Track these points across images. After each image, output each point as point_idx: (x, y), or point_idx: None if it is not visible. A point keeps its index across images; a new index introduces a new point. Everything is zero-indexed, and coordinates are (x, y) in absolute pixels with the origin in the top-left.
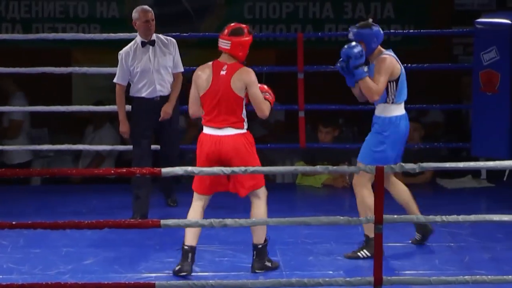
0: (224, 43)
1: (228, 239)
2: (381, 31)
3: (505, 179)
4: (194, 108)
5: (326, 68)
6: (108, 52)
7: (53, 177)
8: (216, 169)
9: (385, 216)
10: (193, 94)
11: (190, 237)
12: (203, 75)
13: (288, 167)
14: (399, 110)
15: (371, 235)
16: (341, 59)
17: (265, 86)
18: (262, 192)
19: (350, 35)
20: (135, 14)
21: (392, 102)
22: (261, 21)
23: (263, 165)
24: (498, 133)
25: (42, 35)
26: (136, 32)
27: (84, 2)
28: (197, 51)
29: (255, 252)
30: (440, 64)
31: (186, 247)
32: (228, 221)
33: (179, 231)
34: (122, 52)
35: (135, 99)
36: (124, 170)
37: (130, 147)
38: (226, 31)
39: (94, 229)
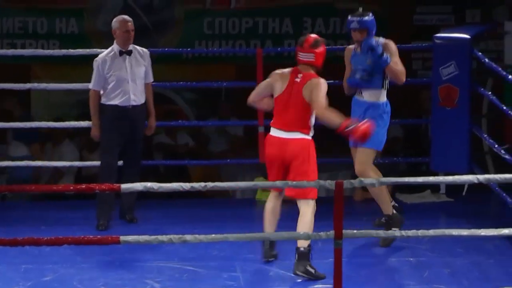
0: (306, 56)
1: (188, 255)
2: None
3: (464, 193)
4: (255, 97)
5: None
6: (68, 68)
7: (12, 193)
8: (175, 185)
9: (345, 231)
10: (264, 86)
11: (267, 227)
12: (281, 78)
13: (248, 182)
14: (386, 95)
15: (389, 212)
16: (361, 67)
17: None
18: (313, 202)
19: (355, 25)
20: (115, 23)
21: (386, 88)
22: (220, 36)
23: (222, 180)
24: (457, 148)
25: (1, 51)
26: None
27: (43, 18)
28: (155, 66)
29: (296, 255)
30: None
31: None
32: (188, 237)
33: (138, 247)
34: (98, 59)
35: (107, 107)
36: (84, 186)
37: (89, 163)
38: (305, 44)
39: (53, 246)
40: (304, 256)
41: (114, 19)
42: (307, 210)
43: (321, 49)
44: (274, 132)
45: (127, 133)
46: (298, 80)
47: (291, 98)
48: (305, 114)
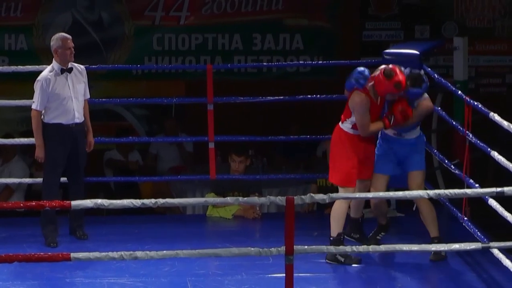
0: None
1: (139, 272)
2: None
3: (414, 209)
4: None
5: (236, 99)
6: (17, 85)
7: None
8: (126, 202)
9: (296, 247)
10: None
11: (354, 211)
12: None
13: (199, 198)
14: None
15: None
16: None
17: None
18: (349, 191)
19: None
20: (56, 41)
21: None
22: (170, 52)
23: (172, 196)
24: None
25: None
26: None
27: None
28: (105, 82)
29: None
30: None
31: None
32: (139, 253)
33: (89, 264)
34: (41, 79)
35: (50, 126)
36: (34, 203)
37: (39, 179)
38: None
39: (3, 263)
40: (334, 244)
41: (54, 37)
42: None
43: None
44: None
45: (70, 151)
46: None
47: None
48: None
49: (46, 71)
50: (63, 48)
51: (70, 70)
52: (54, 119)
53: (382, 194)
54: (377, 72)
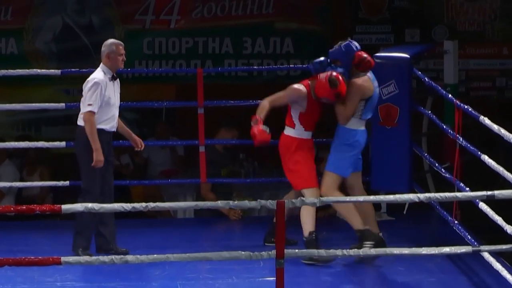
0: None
1: (130, 276)
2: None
3: (405, 212)
4: None
5: (226, 103)
6: (7, 89)
7: None
8: (116, 206)
9: (287, 251)
10: None
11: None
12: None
13: (189, 202)
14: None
15: (360, 227)
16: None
17: None
18: (309, 193)
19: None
20: (110, 46)
21: (359, 117)
22: (160, 56)
23: (163, 200)
24: (397, 167)
25: None
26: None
27: None
28: None
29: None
30: None
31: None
32: (129, 257)
33: (80, 268)
34: (99, 81)
35: (97, 131)
36: (24, 208)
37: (32, 183)
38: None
39: None
40: (309, 244)
41: (108, 43)
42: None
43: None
44: None
45: (106, 158)
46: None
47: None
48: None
49: (101, 74)
50: (116, 54)
51: (116, 77)
52: (99, 125)
53: (372, 197)
54: (323, 75)
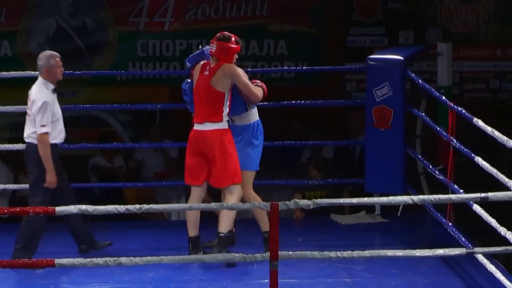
0: (211, 47)
1: (123, 278)
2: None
3: (399, 214)
4: None
5: None
6: (1, 91)
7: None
8: (110, 208)
9: (281, 253)
10: None
11: (191, 229)
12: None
13: (183, 204)
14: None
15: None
16: None
17: (257, 80)
18: (237, 189)
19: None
20: (49, 60)
21: (250, 109)
22: (154, 58)
23: (157, 202)
24: (391, 169)
25: None
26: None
27: None
28: (89, 88)
29: (217, 239)
30: (333, 101)
31: (190, 238)
32: (123, 259)
33: (73, 270)
34: (48, 100)
35: (50, 146)
36: (18, 209)
37: (26, 186)
38: (214, 37)
39: None
40: (224, 241)
41: (45, 56)
42: (230, 197)
43: (226, 44)
44: (194, 126)
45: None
46: (207, 73)
47: (201, 91)
48: (217, 103)
49: (45, 90)
50: (56, 67)
51: (56, 89)
52: (52, 140)
53: (366, 199)
54: (213, 47)
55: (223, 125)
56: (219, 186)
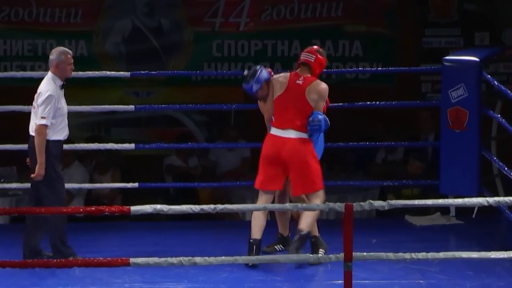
0: (308, 56)
1: (198, 278)
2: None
3: (474, 216)
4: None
5: None
6: (77, 90)
7: (22, 216)
8: (185, 207)
9: (355, 254)
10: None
11: (255, 231)
12: (279, 83)
13: (258, 204)
14: None
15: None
16: None
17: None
18: (322, 193)
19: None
20: (59, 56)
21: None
22: (229, 58)
23: (231, 202)
24: (466, 171)
25: (11, 73)
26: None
27: (52, 40)
28: (165, 88)
29: (298, 236)
30: (408, 102)
31: (251, 240)
32: (198, 259)
33: (148, 270)
34: (53, 93)
35: (54, 142)
36: (93, 208)
37: (101, 185)
38: (312, 48)
39: (63, 268)
40: (303, 239)
41: (56, 52)
42: (316, 200)
43: (324, 58)
44: (273, 131)
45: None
46: (300, 82)
47: (292, 98)
48: (304, 114)
49: (52, 85)
50: (66, 63)
51: (64, 85)
52: (55, 135)
53: (441, 201)
54: (311, 57)
55: (306, 134)
56: (303, 192)
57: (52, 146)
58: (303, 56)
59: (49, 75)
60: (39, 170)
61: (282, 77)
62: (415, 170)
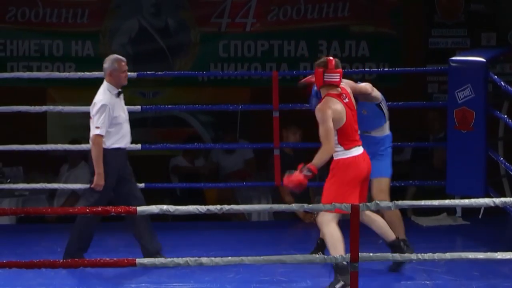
0: (334, 77)
1: (204, 278)
2: None
3: (480, 216)
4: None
5: (301, 106)
6: (83, 91)
7: (28, 216)
8: (191, 208)
9: (361, 254)
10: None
11: (389, 233)
12: (337, 108)
13: (264, 205)
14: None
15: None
16: None
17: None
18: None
19: None
20: (113, 64)
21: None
22: (236, 59)
23: (238, 203)
24: (473, 171)
25: (17, 74)
26: None
27: (59, 40)
28: (171, 89)
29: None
30: (414, 102)
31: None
32: (204, 259)
33: (154, 270)
34: (106, 103)
35: (112, 151)
36: (99, 209)
37: None
38: (333, 64)
39: (69, 268)
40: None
41: (109, 60)
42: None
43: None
44: (357, 150)
45: (122, 176)
46: (347, 100)
47: (353, 117)
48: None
49: (107, 94)
50: (119, 71)
51: (121, 92)
52: (114, 144)
53: (447, 201)
54: (336, 77)
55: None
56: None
57: (111, 155)
58: (332, 78)
59: (104, 84)
60: (98, 180)
61: (336, 103)
62: (441, 165)
